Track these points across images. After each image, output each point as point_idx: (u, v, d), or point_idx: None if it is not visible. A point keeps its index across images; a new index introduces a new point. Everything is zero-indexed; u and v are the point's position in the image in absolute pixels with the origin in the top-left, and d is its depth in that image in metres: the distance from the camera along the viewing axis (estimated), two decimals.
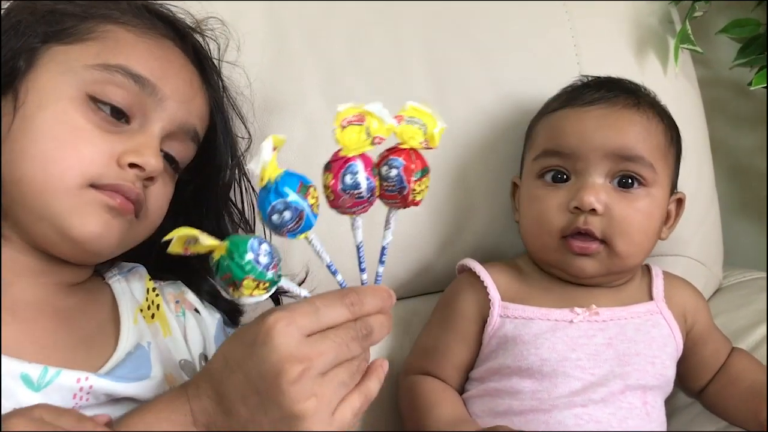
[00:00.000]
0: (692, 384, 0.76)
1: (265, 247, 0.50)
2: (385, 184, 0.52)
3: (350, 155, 0.52)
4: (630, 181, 0.69)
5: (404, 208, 0.54)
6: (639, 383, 0.67)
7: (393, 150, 0.52)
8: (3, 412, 0.52)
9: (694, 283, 0.80)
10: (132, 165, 0.59)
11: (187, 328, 0.67)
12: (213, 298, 0.69)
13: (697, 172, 0.89)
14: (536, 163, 0.73)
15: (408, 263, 0.81)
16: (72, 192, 0.57)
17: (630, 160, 0.69)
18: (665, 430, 0.70)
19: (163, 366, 0.62)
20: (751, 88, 0.87)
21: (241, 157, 0.71)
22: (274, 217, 0.50)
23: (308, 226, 0.51)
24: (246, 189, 0.73)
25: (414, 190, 0.52)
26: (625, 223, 0.68)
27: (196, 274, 0.70)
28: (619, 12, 0.87)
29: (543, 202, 0.71)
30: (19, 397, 0.53)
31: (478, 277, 0.73)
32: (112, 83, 0.59)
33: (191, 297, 0.68)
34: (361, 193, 0.52)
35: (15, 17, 0.61)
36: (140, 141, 0.60)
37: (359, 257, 0.55)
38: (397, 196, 0.53)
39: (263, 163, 0.50)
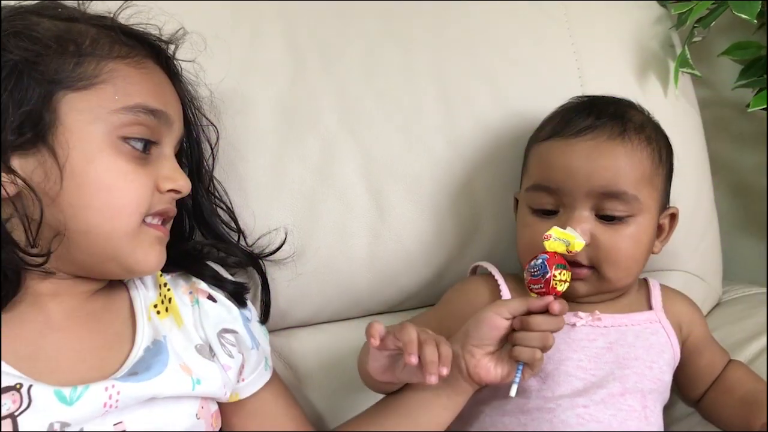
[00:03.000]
0: (690, 393, 0.78)
1: None
2: (531, 270, 0.68)
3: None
4: (613, 217, 0.72)
5: (547, 294, 0.67)
6: (637, 386, 0.70)
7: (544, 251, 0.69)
8: (40, 426, 0.57)
9: (694, 298, 0.82)
10: (169, 190, 0.66)
11: (202, 313, 0.70)
12: (217, 281, 0.73)
13: (697, 189, 0.91)
14: (528, 195, 0.76)
15: (415, 276, 0.85)
16: (135, 232, 0.64)
17: (613, 196, 0.71)
18: None
19: (179, 357, 0.66)
20: (749, 110, 0.90)
21: (214, 146, 0.76)
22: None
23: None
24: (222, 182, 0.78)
25: (555, 276, 0.67)
26: (612, 251, 0.72)
27: (198, 262, 0.74)
28: (621, 36, 0.90)
29: (533, 231, 0.74)
30: (54, 411, 0.58)
31: (491, 277, 0.77)
32: (136, 123, 0.64)
33: (203, 286, 0.72)
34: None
35: (8, 65, 0.61)
36: (167, 167, 0.66)
37: None
38: (540, 280, 0.67)
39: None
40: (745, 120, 1.13)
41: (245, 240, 0.78)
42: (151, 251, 0.65)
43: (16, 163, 0.61)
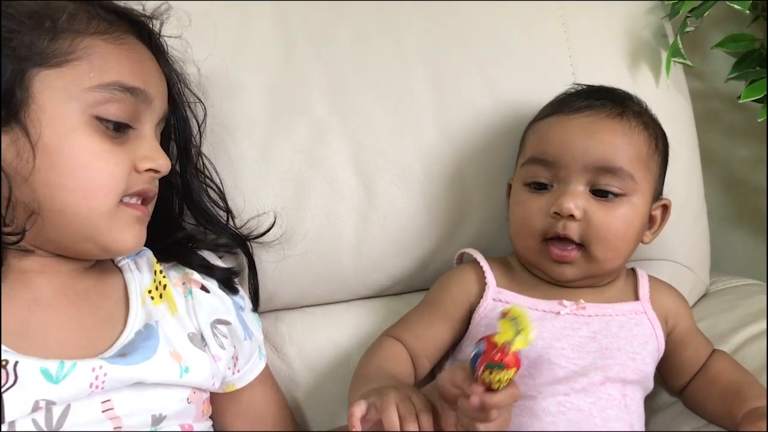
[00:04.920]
0: (674, 383, 0.79)
1: None
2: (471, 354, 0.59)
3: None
4: (607, 193, 0.72)
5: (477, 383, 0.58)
6: (619, 376, 0.71)
7: (490, 336, 0.58)
8: (25, 403, 0.57)
9: (681, 288, 0.83)
10: (148, 169, 0.65)
11: (195, 303, 0.70)
12: (207, 269, 0.73)
13: (687, 180, 0.91)
14: (523, 169, 0.76)
15: (405, 261, 0.85)
16: (111, 212, 0.63)
17: (609, 171, 0.72)
18: (643, 422, 0.73)
19: (169, 344, 0.65)
20: (740, 101, 0.90)
21: (201, 124, 0.76)
22: None
23: None
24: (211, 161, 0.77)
25: (483, 377, 0.57)
26: (603, 229, 0.72)
27: (187, 251, 0.74)
28: (614, 26, 0.90)
29: (526, 207, 0.74)
30: (40, 389, 0.58)
31: (476, 263, 0.77)
32: (112, 101, 0.62)
33: (196, 277, 0.72)
34: None
35: None
36: (146, 145, 0.65)
37: None
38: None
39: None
40: (737, 113, 1.13)
41: (233, 221, 0.78)
42: (129, 231, 0.65)
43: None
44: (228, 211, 0.77)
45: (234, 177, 0.79)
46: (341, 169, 0.82)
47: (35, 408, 0.58)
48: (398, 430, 0.58)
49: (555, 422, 0.68)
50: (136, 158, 0.64)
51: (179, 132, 0.74)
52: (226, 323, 0.71)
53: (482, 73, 0.86)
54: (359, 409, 0.60)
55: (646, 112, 0.78)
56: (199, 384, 0.67)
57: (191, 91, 0.75)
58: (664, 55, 0.90)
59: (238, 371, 0.72)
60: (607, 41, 0.89)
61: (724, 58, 1.01)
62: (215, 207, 0.77)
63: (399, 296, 0.88)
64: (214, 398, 0.73)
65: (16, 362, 0.58)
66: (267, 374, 0.76)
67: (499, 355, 0.56)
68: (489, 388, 0.57)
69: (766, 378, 0.75)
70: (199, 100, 0.76)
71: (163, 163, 0.66)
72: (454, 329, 0.75)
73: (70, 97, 0.61)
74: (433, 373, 0.77)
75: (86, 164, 0.62)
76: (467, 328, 0.75)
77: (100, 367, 0.60)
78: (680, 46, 0.90)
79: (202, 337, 0.69)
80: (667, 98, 0.90)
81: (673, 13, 0.92)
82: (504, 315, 0.58)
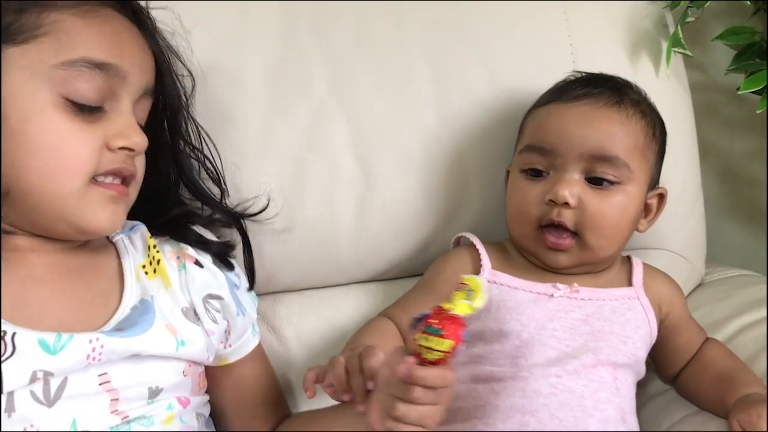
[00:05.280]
0: (667, 370, 0.80)
1: None
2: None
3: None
4: (602, 181, 0.73)
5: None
6: (610, 359, 0.71)
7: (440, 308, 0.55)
8: (23, 374, 0.58)
9: (676, 277, 0.83)
10: (121, 147, 0.63)
11: (189, 277, 0.70)
12: (202, 245, 0.73)
13: (684, 170, 0.92)
14: (520, 156, 0.77)
15: (402, 245, 0.86)
16: (80, 193, 0.61)
17: (604, 160, 0.72)
18: (634, 407, 0.74)
19: (165, 317, 0.66)
20: (739, 93, 0.91)
21: (189, 97, 0.74)
22: None
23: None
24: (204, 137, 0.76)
25: (418, 343, 0.54)
26: (598, 217, 0.72)
27: (182, 226, 0.73)
28: (615, 14, 0.90)
29: (522, 193, 0.75)
30: (37, 360, 0.59)
31: (472, 246, 0.78)
32: (79, 79, 0.60)
33: (190, 251, 0.72)
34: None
35: None
36: (120, 122, 0.63)
37: None
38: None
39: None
40: (736, 106, 1.13)
41: (226, 197, 0.77)
42: (101, 211, 0.63)
43: None
44: (222, 186, 0.77)
45: (235, 159, 0.79)
46: (341, 153, 0.83)
47: (33, 379, 0.58)
48: (344, 384, 0.60)
49: (547, 404, 0.68)
50: (109, 136, 0.62)
51: (167, 107, 0.72)
52: (219, 298, 0.71)
53: (483, 60, 0.86)
54: (311, 373, 0.64)
55: (644, 100, 0.78)
56: (194, 357, 0.68)
57: (183, 64, 0.73)
58: (665, 45, 0.91)
59: (230, 346, 0.73)
60: (608, 30, 0.89)
61: (725, 51, 1.01)
62: (210, 183, 0.76)
63: (397, 280, 0.88)
64: (207, 371, 0.73)
65: (14, 333, 0.58)
66: (260, 351, 0.77)
67: (439, 320, 0.54)
68: (423, 363, 0.54)
69: (766, 365, 0.76)
70: (189, 72, 0.74)
71: (137, 141, 0.63)
72: None
73: (36, 75, 0.60)
74: None
75: (51, 145, 0.60)
76: None
77: (97, 339, 0.61)
78: (681, 36, 0.90)
79: (195, 311, 0.69)
80: (667, 88, 0.90)
81: (674, 4, 0.92)
82: (461, 285, 0.56)
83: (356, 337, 0.75)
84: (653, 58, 0.91)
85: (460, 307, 0.54)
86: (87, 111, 0.61)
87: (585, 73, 0.81)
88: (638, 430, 0.74)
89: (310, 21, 0.84)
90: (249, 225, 0.78)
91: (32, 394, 0.59)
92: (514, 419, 0.68)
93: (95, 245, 0.69)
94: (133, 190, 0.67)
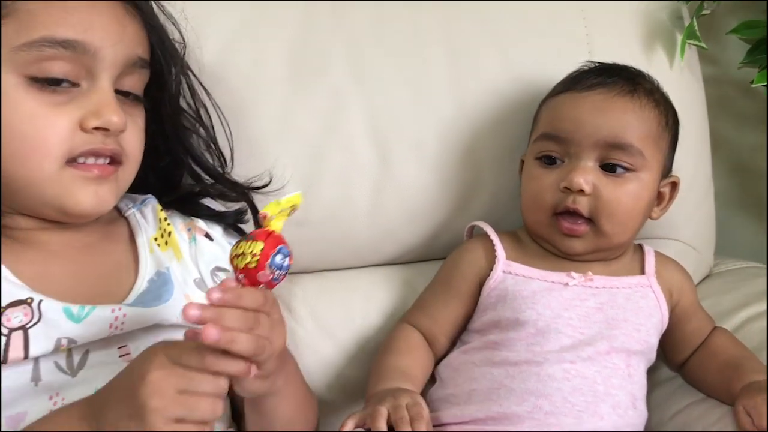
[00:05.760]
0: (675, 357, 0.81)
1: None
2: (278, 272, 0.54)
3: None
4: (616, 167, 0.74)
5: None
6: (624, 346, 0.73)
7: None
8: (48, 341, 0.59)
9: (686, 267, 0.84)
10: (96, 127, 0.60)
11: (198, 250, 0.71)
12: (216, 218, 0.74)
13: (696, 161, 0.93)
14: (536, 144, 0.78)
15: (416, 230, 0.87)
16: (54, 177, 0.60)
17: (619, 147, 0.73)
18: (645, 393, 0.75)
19: (182, 287, 0.67)
20: (753, 86, 0.91)
21: (185, 61, 0.72)
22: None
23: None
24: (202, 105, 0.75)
25: (233, 254, 0.53)
26: (612, 204, 0.73)
27: (192, 202, 0.74)
28: (631, 6, 0.91)
29: (538, 181, 0.76)
30: (62, 327, 0.60)
31: (486, 237, 0.79)
32: (42, 59, 0.58)
33: (201, 224, 0.73)
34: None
35: None
36: (95, 101, 0.60)
37: None
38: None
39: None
40: (748, 100, 1.14)
41: (224, 167, 0.76)
42: (82, 194, 0.61)
43: None
44: (221, 157, 0.76)
45: (252, 143, 0.81)
46: (358, 138, 0.84)
47: (57, 346, 0.60)
48: None
49: (560, 388, 0.70)
50: (83, 116, 0.60)
51: (162, 84, 0.69)
52: (226, 270, 0.72)
53: (499, 48, 0.87)
54: (350, 421, 0.66)
55: (657, 89, 0.79)
56: None
57: (181, 34, 0.71)
58: (679, 37, 0.92)
59: None
60: (624, 20, 0.90)
61: (738, 45, 1.01)
62: (215, 156, 0.75)
63: (410, 264, 0.90)
64: None
65: (41, 300, 0.60)
66: None
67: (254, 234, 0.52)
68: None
69: (766, 355, 0.77)
70: (183, 40, 0.72)
71: (112, 120, 0.60)
72: (467, 305, 0.78)
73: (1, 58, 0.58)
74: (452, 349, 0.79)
75: (20, 130, 0.59)
76: (479, 298, 0.77)
77: (120, 309, 0.62)
78: (696, 28, 0.91)
79: (204, 282, 0.70)
80: (680, 80, 0.91)
81: None
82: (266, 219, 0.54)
83: (384, 356, 0.76)
84: (668, 50, 0.91)
85: (270, 206, 0.54)
86: (55, 91, 0.59)
87: (599, 63, 0.82)
88: (647, 416, 0.75)
89: (330, 7, 0.85)
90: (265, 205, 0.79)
91: (56, 364, 0.60)
92: (529, 402, 0.70)
93: (107, 220, 0.69)
94: (127, 168, 0.65)
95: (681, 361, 0.80)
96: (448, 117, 0.85)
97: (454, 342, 0.79)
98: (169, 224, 0.72)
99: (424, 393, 0.75)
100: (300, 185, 0.82)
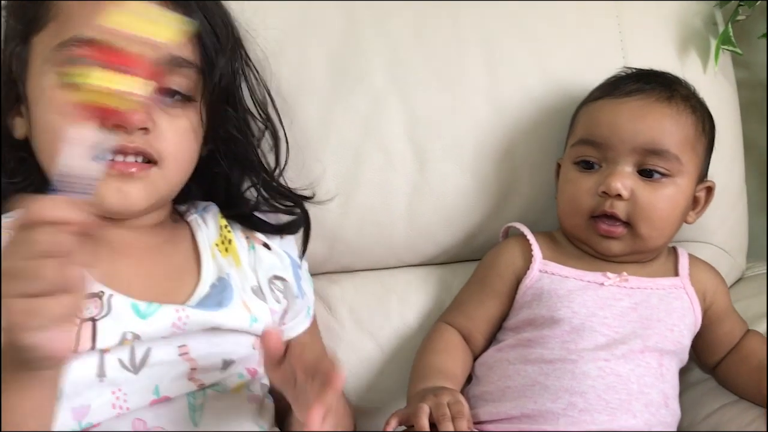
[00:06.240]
0: (708, 359, 0.82)
1: None
2: None
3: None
4: (653, 173, 0.75)
5: None
6: (657, 346, 0.74)
7: None
8: (115, 334, 0.61)
9: (718, 270, 0.85)
10: (117, 126, 0.59)
11: (257, 258, 0.74)
12: (277, 230, 0.75)
13: (729, 165, 0.93)
14: (573, 149, 0.80)
15: (453, 231, 0.89)
16: None
17: (656, 153, 0.75)
18: (677, 392, 0.77)
19: (240, 294, 0.70)
20: None
21: (246, 55, 0.73)
22: None
23: None
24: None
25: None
26: (649, 208, 0.75)
27: (250, 219, 0.75)
28: (665, 11, 0.92)
29: (575, 186, 0.78)
30: (129, 322, 0.63)
31: (522, 237, 0.81)
32: (76, 57, 0.60)
33: (259, 234, 0.75)
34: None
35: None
36: None
37: None
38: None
39: None
40: None
41: (270, 174, 0.77)
42: (104, 190, 0.62)
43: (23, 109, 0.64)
44: (267, 170, 0.76)
45: (294, 144, 0.83)
46: (397, 141, 0.86)
47: (122, 339, 0.62)
48: None
49: (594, 386, 0.71)
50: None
51: (214, 83, 0.68)
52: (283, 280, 0.75)
53: (535, 54, 0.89)
54: (394, 419, 0.69)
55: (693, 95, 0.81)
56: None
57: (232, 32, 0.70)
58: (713, 42, 0.92)
59: (284, 324, 0.76)
60: (658, 26, 0.91)
61: None
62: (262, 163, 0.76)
63: (446, 265, 0.92)
64: None
65: (111, 295, 0.63)
66: (314, 330, 0.80)
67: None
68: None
69: (766, 358, 0.77)
70: (234, 38, 0.70)
71: (128, 118, 0.59)
72: (504, 303, 0.80)
73: (45, 60, 0.62)
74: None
75: (50, 126, 0.61)
76: (515, 297, 0.79)
77: (183, 310, 0.65)
78: (731, 34, 0.91)
79: (261, 291, 0.73)
80: (714, 85, 0.92)
81: (724, 1, 0.93)
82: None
83: (424, 355, 0.79)
84: (702, 55, 0.92)
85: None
86: None
87: (636, 69, 0.83)
88: (680, 415, 0.76)
89: (370, 14, 0.87)
90: (307, 206, 0.81)
91: (120, 361, 0.63)
92: (563, 399, 0.71)
93: (171, 226, 0.72)
94: (165, 169, 0.65)
95: (714, 363, 0.82)
96: (485, 121, 0.87)
97: (491, 340, 0.81)
98: (229, 231, 0.74)
99: (461, 391, 0.76)
100: (340, 187, 0.84)
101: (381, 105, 0.85)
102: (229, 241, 0.73)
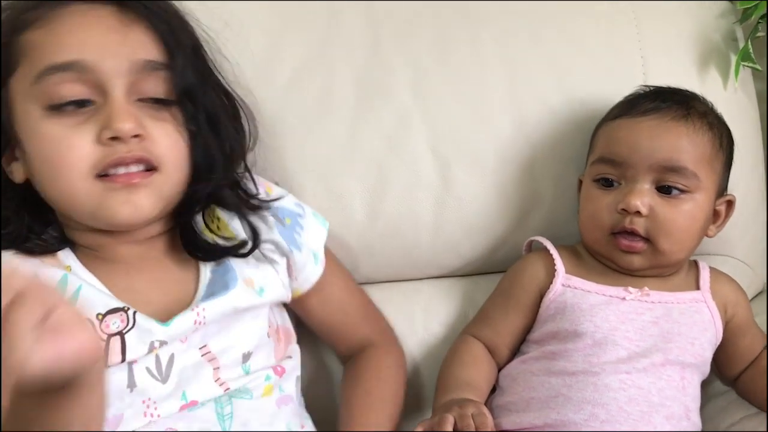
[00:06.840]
0: (728, 372, 0.83)
1: None
2: None
3: None
4: (672, 189, 0.77)
5: None
6: (678, 359, 0.75)
7: None
8: (142, 345, 0.64)
9: (739, 283, 0.86)
10: (113, 138, 0.62)
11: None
12: (263, 202, 0.75)
13: (749, 179, 0.94)
14: (593, 167, 0.81)
15: (476, 244, 0.91)
16: (88, 192, 0.63)
17: (674, 170, 0.76)
18: (698, 405, 0.77)
19: (241, 272, 0.72)
20: None
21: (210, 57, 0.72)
22: None
23: None
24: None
25: None
26: (668, 224, 0.76)
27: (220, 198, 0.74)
28: (685, 27, 0.93)
29: (595, 203, 0.79)
30: (154, 331, 0.66)
31: (545, 251, 0.82)
32: (51, 86, 0.62)
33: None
34: None
35: None
36: (106, 112, 0.62)
37: None
38: None
39: None
40: None
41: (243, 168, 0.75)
42: (114, 203, 0.63)
43: (18, 152, 0.66)
44: (248, 170, 0.76)
45: (320, 160, 0.86)
46: (421, 156, 0.88)
47: (151, 348, 0.65)
48: None
49: (616, 398, 0.73)
50: (98, 130, 0.62)
51: (180, 79, 0.67)
52: (269, 241, 0.74)
53: (555, 70, 0.90)
54: (420, 428, 0.70)
55: (711, 111, 0.82)
56: (277, 298, 0.74)
57: (203, 31, 0.71)
58: (733, 58, 0.93)
59: (296, 278, 0.77)
60: (678, 42, 0.93)
61: None
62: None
63: (468, 277, 0.94)
64: (300, 306, 0.78)
65: (135, 311, 0.66)
66: (333, 276, 0.79)
67: None
68: None
69: (766, 365, 0.78)
70: (207, 35, 0.72)
71: (119, 127, 0.62)
72: (527, 316, 0.81)
73: (25, 96, 0.63)
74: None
75: (48, 156, 0.63)
76: (538, 311, 0.80)
77: (198, 306, 0.68)
78: (751, 50, 0.93)
79: (263, 255, 0.73)
80: (734, 100, 0.93)
81: (744, 18, 0.94)
82: None
83: (449, 367, 0.80)
84: (721, 71, 0.93)
85: None
86: (75, 113, 0.63)
87: (653, 86, 0.84)
88: (701, 428, 0.77)
89: (394, 32, 0.89)
90: (334, 220, 0.84)
91: (147, 370, 0.66)
92: (585, 410, 0.73)
93: (164, 226, 0.72)
94: (166, 173, 0.66)
95: (734, 375, 0.82)
96: (507, 136, 0.89)
97: (515, 352, 0.82)
98: (213, 209, 0.74)
99: (485, 402, 0.78)
100: (366, 200, 0.86)
101: (405, 122, 0.87)
102: (218, 218, 0.74)
